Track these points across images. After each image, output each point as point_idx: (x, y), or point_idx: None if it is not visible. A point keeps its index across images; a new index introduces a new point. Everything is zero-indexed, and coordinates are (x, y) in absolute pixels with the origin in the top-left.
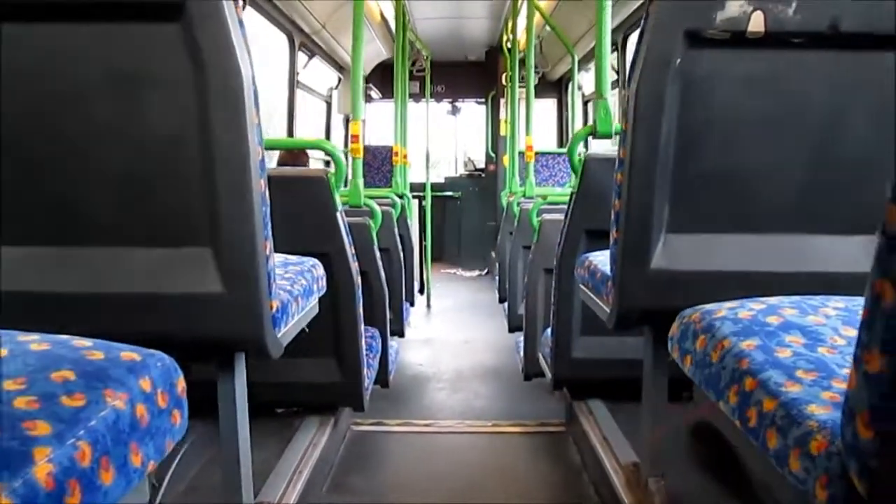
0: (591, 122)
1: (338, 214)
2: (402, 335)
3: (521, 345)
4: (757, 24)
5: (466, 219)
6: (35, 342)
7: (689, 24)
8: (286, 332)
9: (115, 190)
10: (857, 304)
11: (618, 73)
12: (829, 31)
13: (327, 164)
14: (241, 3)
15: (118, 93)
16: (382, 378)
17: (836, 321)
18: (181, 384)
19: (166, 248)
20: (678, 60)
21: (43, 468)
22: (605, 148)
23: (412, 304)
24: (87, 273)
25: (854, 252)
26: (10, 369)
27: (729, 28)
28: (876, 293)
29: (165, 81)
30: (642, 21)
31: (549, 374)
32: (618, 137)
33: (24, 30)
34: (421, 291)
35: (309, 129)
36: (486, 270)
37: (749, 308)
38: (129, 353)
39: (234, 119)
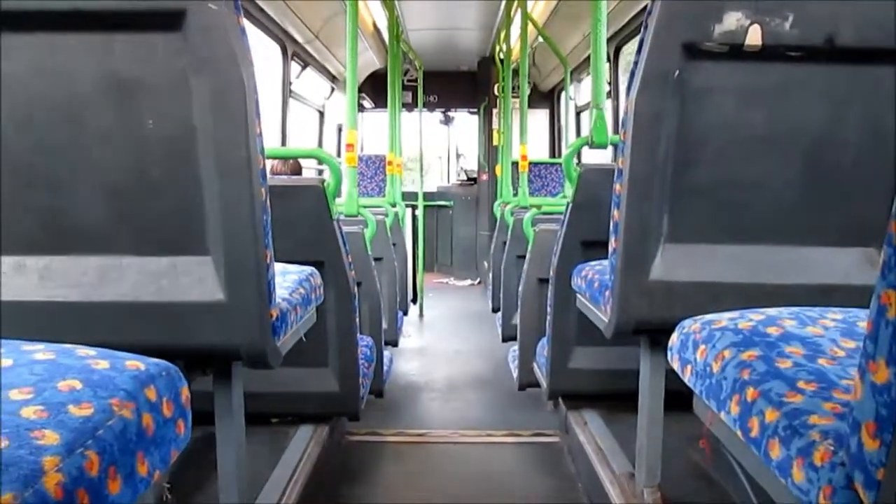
0: (584, 132)
1: (334, 223)
2: (395, 344)
3: (516, 354)
4: (754, 37)
5: (458, 228)
6: (40, 352)
7: (687, 36)
8: (285, 340)
9: (117, 198)
10: (854, 315)
11: (610, 84)
12: (825, 45)
13: (320, 172)
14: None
15: (119, 101)
16: (377, 387)
17: (835, 332)
18: (185, 393)
19: (167, 257)
20: (676, 72)
21: (52, 478)
22: (586, 157)
23: (405, 314)
24: (88, 282)
25: (848, 264)
26: (17, 379)
27: (726, 41)
28: (882, 304)
29: (167, 90)
30: (641, 32)
31: (544, 384)
32: (612, 148)
33: (24, 40)
34: (413, 301)
35: (298, 138)
36: (478, 280)
37: (749, 319)
38: (134, 362)
39: (236, 128)
